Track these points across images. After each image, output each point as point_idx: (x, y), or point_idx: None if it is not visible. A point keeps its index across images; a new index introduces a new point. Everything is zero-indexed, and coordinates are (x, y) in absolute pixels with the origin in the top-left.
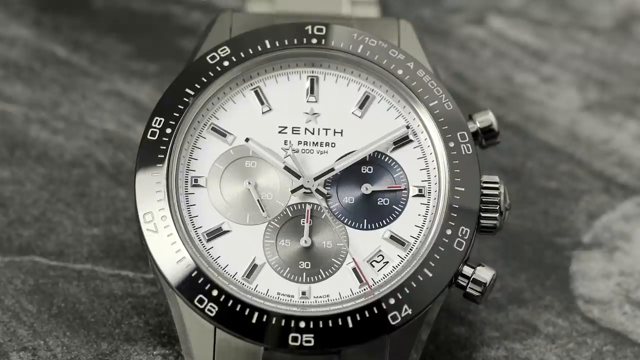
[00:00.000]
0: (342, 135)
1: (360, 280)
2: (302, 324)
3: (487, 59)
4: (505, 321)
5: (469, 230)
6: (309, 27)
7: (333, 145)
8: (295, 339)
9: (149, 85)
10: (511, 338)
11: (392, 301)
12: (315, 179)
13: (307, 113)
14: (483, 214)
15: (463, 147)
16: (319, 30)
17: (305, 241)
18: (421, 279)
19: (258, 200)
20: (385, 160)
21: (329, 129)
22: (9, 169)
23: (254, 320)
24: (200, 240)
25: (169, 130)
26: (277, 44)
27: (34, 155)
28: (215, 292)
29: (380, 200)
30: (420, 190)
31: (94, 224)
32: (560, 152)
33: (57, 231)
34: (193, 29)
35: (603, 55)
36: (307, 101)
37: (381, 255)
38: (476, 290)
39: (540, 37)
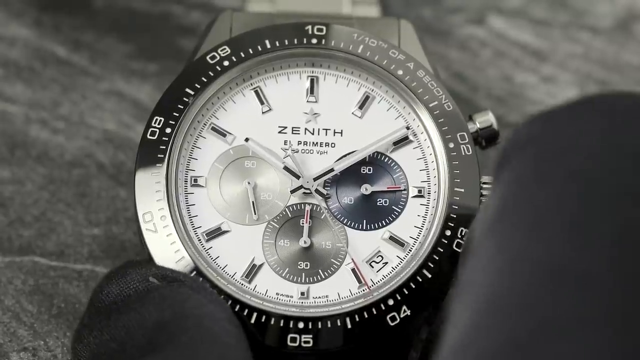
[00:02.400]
0: (342, 135)
1: (360, 281)
2: (301, 325)
3: (488, 58)
4: None
5: (468, 231)
6: (309, 27)
7: (333, 145)
8: (294, 340)
9: (149, 85)
10: None
11: (390, 302)
12: (315, 179)
13: (307, 113)
14: None
15: (463, 147)
16: (319, 30)
17: (305, 241)
18: (420, 280)
19: (252, 202)
20: (385, 160)
21: (329, 129)
22: (9, 169)
23: (252, 321)
24: (199, 240)
25: (168, 130)
26: (277, 44)
27: (34, 155)
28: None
29: (379, 200)
30: (419, 191)
31: (94, 224)
32: None
33: (58, 231)
34: (193, 29)
35: (603, 55)
36: (307, 101)
37: (380, 255)
38: None
39: (540, 37)
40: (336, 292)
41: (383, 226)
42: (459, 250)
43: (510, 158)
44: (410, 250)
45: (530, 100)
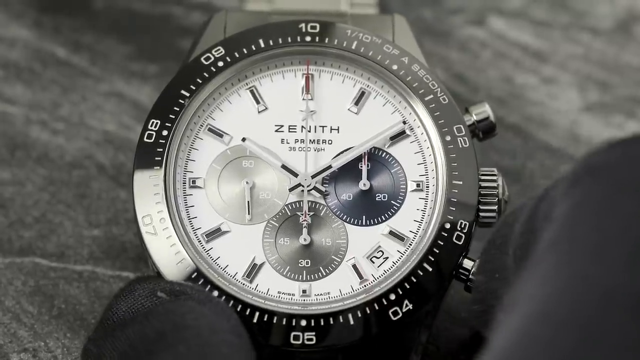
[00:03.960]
0: (338, 132)
1: (361, 277)
2: (304, 323)
3: (488, 59)
4: None
5: (467, 224)
6: (303, 25)
7: (330, 142)
8: (297, 338)
9: (149, 86)
10: None
11: (392, 297)
12: (313, 176)
13: (302, 111)
14: (482, 207)
15: (460, 140)
16: (313, 27)
17: (305, 239)
18: (421, 273)
19: (248, 201)
20: (383, 156)
21: (326, 126)
22: (10, 170)
23: (255, 320)
24: (199, 241)
25: (165, 133)
26: (271, 43)
27: (35, 156)
28: (215, 293)
29: (378, 195)
30: (418, 185)
31: (94, 225)
32: (561, 153)
33: (58, 232)
34: (193, 30)
35: (603, 56)
36: (303, 99)
37: (381, 251)
38: None
39: (540, 38)
40: (338, 289)
41: (382, 221)
42: (459, 243)
43: (583, 180)
44: (411, 245)
45: (530, 101)
